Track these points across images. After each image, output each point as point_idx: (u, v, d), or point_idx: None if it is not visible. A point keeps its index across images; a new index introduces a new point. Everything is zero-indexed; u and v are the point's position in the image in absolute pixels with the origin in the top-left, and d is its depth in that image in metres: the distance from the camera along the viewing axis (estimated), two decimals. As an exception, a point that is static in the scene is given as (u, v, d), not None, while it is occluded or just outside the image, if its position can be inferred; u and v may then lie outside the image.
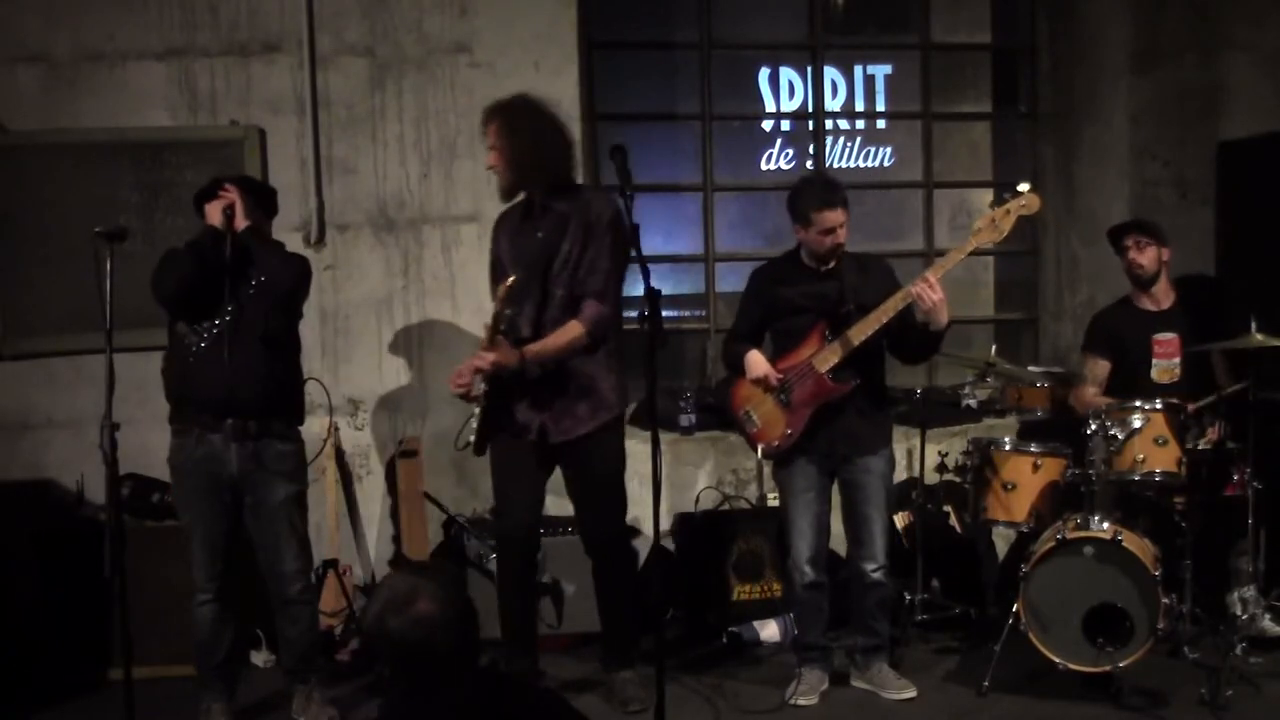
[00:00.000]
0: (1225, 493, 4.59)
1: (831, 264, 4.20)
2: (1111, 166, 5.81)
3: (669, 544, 5.18)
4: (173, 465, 4.05)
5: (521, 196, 4.19)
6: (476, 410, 4.12)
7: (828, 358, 4.12)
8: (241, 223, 3.96)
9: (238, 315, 3.92)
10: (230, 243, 3.89)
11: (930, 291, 3.98)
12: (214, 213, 3.94)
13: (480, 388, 4.07)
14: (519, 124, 4.07)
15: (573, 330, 4.04)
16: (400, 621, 2.26)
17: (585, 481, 4.23)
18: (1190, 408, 4.44)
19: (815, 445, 4.20)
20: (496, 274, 4.23)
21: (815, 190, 4.14)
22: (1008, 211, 4.07)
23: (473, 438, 4.15)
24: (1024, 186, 4.18)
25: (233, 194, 3.97)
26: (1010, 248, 5.77)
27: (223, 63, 5.22)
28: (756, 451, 4.31)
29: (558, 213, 4.08)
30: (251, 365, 3.91)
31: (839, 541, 4.48)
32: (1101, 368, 4.94)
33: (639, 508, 5.26)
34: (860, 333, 4.08)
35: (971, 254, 4.15)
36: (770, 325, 4.35)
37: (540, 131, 4.09)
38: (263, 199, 4.16)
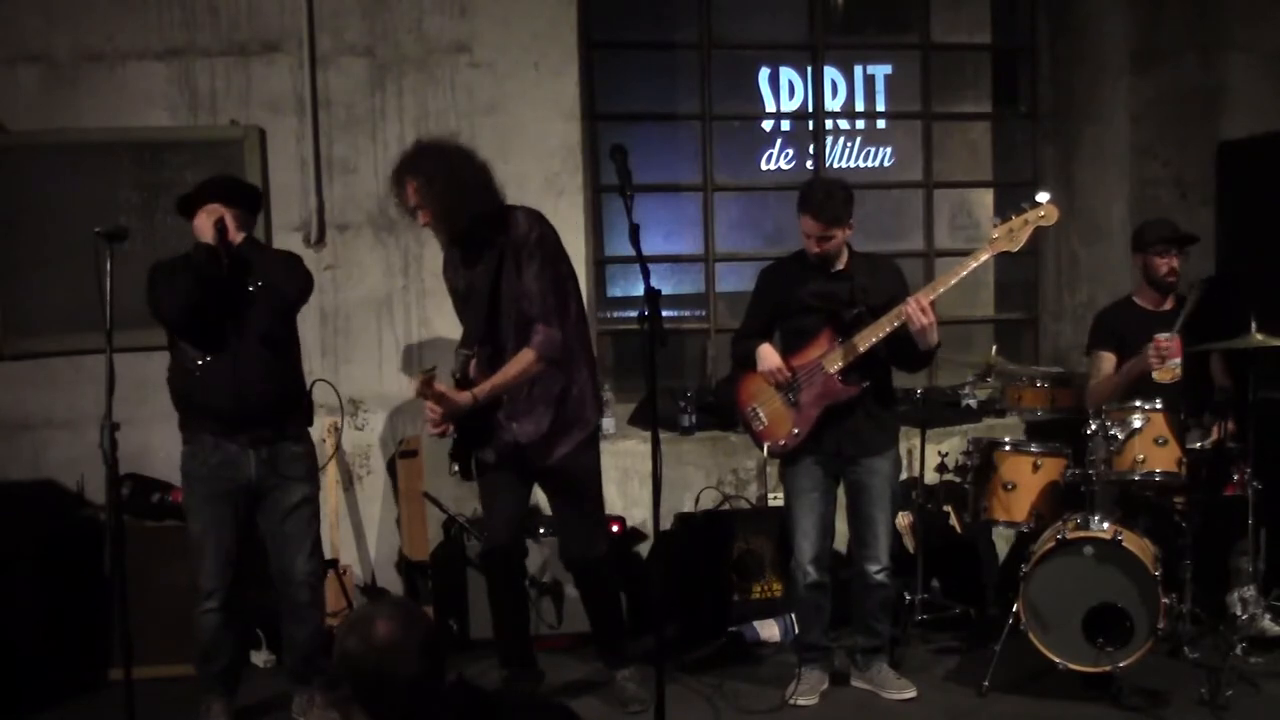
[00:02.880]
0: (1225, 493, 4.60)
1: (841, 264, 4.19)
2: (1111, 166, 5.81)
3: (669, 544, 5.17)
4: (185, 472, 4.02)
5: None
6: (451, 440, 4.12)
7: (837, 359, 4.11)
8: (236, 236, 3.94)
9: (238, 324, 3.90)
10: (226, 256, 3.86)
11: (919, 314, 3.95)
12: (205, 228, 3.87)
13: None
14: (433, 170, 3.96)
15: (525, 358, 3.98)
16: (356, 643, 2.29)
17: (563, 502, 4.22)
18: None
19: (822, 446, 4.19)
20: (456, 304, 4.23)
21: (807, 195, 4.12)
22: (1026, 222, 4.01)
23: (456, 467, 4.15)
24: (1043, 196, 4.07)
25: (220, 210, 3.89)
26: (1010, 248, 5.77)
27: (223, 63, 5.22)
28: (762, 449, 4.29)
29: (491, 243, 4.03)
30: (258, 372, 3.90)
31: (840, 541, 4.48)
32: (1108, 361, 4.89)
33: (639, 508, 5.29)
34: (865, 340, 4.07)
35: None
36: (779, 324, 4.32)
37: (455, 168, 3.99)
38: (248, 199, 4.09)
